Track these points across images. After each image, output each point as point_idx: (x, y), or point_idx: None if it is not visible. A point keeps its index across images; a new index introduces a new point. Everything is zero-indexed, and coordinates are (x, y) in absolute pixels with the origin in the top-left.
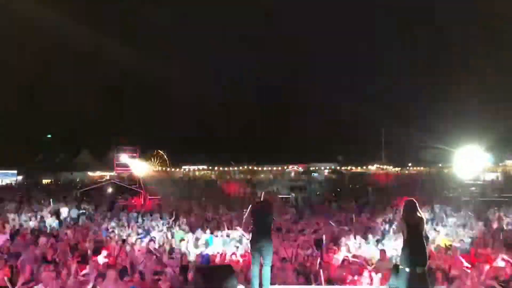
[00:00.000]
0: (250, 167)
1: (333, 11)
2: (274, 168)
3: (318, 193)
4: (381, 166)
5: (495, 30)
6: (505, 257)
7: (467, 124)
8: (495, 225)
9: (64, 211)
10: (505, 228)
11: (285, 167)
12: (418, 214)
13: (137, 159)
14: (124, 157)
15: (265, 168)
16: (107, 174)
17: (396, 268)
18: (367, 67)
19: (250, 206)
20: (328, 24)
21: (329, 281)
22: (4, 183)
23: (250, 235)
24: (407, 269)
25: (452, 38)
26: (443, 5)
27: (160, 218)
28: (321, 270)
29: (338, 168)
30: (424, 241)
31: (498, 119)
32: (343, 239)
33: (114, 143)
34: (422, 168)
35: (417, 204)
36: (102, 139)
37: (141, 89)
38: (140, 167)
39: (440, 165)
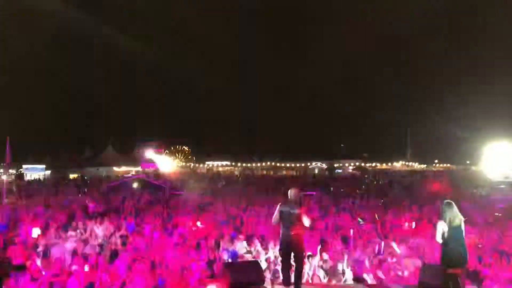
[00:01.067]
0: (273, 163)
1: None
2: (298, 165)
3: (342, 189)
4: (407, 163)
5: None
6: None
7: (496, 121)
8: None
9: (91, 206)
10: None
11: (309, 164)
12: (458, 215)
13: (162, 154)
14: (149, 153)
15: (288, 165)
16: (132, 170)
17: (429, 267)
18: (393, 63)
19: (279, 204)
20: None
21: (357, 279)
22: (32, 178)
23: (280, 233)
24: (446, 269)
25: (481, 31)
26: None
27: (186, 213)
28: (347, 268)
29: (362, 164)
30: (463, 242)
31: None
32: (369, 237)
33: (139, 139)
34: (449, 165)
35: (455, 205)
36: (127, 135)
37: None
38: (165, 163)
39: (468, 162)
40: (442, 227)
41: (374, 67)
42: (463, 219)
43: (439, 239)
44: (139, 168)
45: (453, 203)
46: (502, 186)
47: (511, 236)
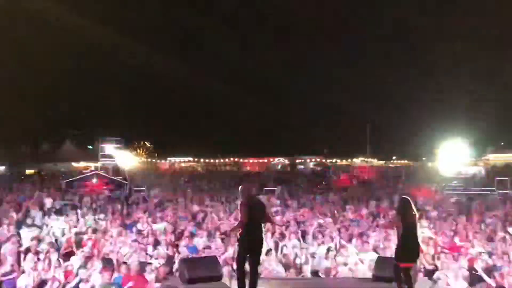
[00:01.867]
0: (236, 160)
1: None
2: (261, 161)
3: (302, 185)
4: (366, 159)
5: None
6: (483, 250)
7: (451, 120)
8: (476, 219)
9: (48, 202)
10: (486, 221)
11: (271, 160)
12: (413, 211)
13: (122, 150)
14: (108, 148)
15: (251, 161)
16: (91, 165)
17: (383, 260)
18: (353, 62)
19: (242, 200)
20: (313, 18)
21: (314, 273)
22: None
23: (242, 229)
24: (398, 263)
25: (440, 32)
26: None
27: (145, 210)
28: (306, 262)
29: (323, 160)
30: (417, 237)
31: (480, 115)
32: (327, 231)
33: (99, 134)
34: (406, 161)
35: (411, 201)
36: (86, 129)
37: (126, 80)
38: (125, 158)
39: (424, 158)
40: (395, 222)
41: (335, 65)
42: (417, 214)
43: (394, 234)
44: (98, 164)
45: (409, 198)
46: (455, 182)
47: (463, 231)
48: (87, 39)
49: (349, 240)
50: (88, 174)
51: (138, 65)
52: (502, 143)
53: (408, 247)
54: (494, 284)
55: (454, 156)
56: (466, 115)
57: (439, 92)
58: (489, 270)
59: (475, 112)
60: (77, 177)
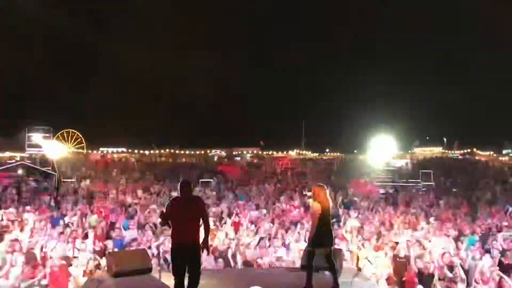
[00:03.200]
0: (172, 151)
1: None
2: (197, 152)
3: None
4: (301, 152)
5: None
6: (407, 238)
7: (380, 115)
8: (401, 209)
9: None
10: (411, 211)
11: (208, 151)
12: (330, 200)
13: (51, 139)
14: (36, 137)
15: (187, 152)
16: (17, 155)
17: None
18: (291, 55)
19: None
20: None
21: (246, 263)
22: None
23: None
24: (317, 250)
25: (371, 30)
26: None
27: (75, 202)
28: (237, 253)
29: (260, 153)
30: (331, 224)
31: (408, 110)
32: (260, 222)
33: (26, 122)
34: (338, 154)
35: (327, 190)
36: (12, 117)
37: (56, 66)
38: (54, 148)
39: (355, 151)
40: (315, 210)
41: (273, 59)
42: (331, 203)
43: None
44: (24, 154)
45: (324, 187)
46: (384, 174)
47: (390, 220)
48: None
49: (283, 231)
50: (13, 164)
51: (66, 49)
52: (428, 137)
53: (323, 233)
54: (416, 270)
55: (383, 149)
56: (394, 110)
57: (371, 89)
58: (412, 257)
59: (402, 107)
60: (1, 168)
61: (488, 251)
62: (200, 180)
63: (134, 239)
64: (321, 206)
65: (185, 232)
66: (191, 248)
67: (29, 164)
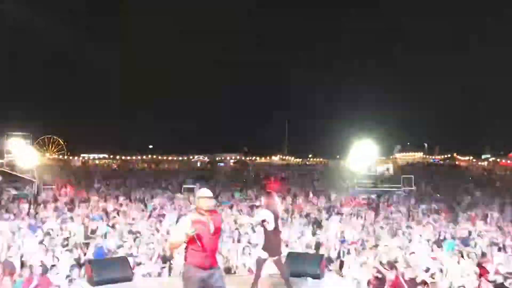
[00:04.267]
0: (154, 157)
1: None
2: (180, 158)
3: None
4: (284, 157)
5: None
6: (387, 243)
7: (363, 121)
8: (382, 214)
9: None
10: (391, 216)
11: (191, 157)
12: (279, 205)
13: (30, 146)
14: (15, 144)
15: (170, 158)
16: None
17: (293, 256)
18: (275, 58)
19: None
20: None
21: (228, 270)
22: None
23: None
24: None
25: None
26: None
27: (55, 209)
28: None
29: (243, 158)
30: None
31: (389, 117)
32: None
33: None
34: (321, 159)
35: (275, 195)
36: None
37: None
38: (33, 155)
39: (338, 157)
40: (267, 216)
41: (257, 65)
42: (282, 208)
43: (270, 227)
44: (3, 160)
45: (274, 193)
46: (365, 180)
47: (371, 226)
48: None
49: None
50: None
51: (50, 56)
52: (408, 143)
53: (276, 240)
54: (398, 274)
55: (365, 155)
56: (377, 117)
57: (354, 95)
58: (392, 263)
59: (384, 115)
60: None
61: (467, 255)
62: (183, 186)
63: (120, 246)
64: (273, 211)
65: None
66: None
67: (7, 170)
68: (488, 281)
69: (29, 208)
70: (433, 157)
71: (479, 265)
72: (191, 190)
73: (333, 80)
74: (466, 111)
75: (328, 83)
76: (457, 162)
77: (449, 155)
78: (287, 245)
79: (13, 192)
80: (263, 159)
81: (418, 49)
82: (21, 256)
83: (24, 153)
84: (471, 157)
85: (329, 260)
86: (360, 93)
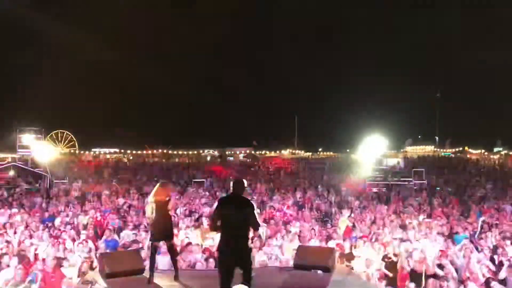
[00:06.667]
0: (165, 151)
1: None
2: (190, 152)
3: (230, 177)
4: (294, 151)
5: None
6: (398, 236)
7: (374, 114)
8: (392, 208)
9: None
10: (402, 209)
11: (201, 151)
12: (161, 194)
13: (42, 140)
14: (27, 138)
15: (180, 152)
16: (8, 156)
17: (303, 249)
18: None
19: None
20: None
21: None
22: None
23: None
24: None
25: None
26: None
27: (67, 203)
28: None
29: (253, 152)
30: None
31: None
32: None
33: (17, 123)
34: (331, 153)
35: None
36: (2, 118)
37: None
38: (45, 149)
39: (348, 150)
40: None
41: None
42: (168, 197)
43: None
44: (16, 155)
45: (162, 183)
46: (376, 173)
47: (382, 219)
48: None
49: (276, 231)
50: (5, 165)
51: (57, 50)
52: (419, 136)
53: (159, 226)
54: (408, 268)
55: (375, 148)
56: (387, 110)
57: (364, 88)
58: (402, 256)
59: (395, 107)
60: None
61: (479, 248)
62: (193, 180)
63: (131, 239)
64: (155, 200)
65: (234, 231)
66: (240, 248)
67: (21, 165)
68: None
69: (41, 202)
70: (445, 150)
71: (491, 258)
72: (201, 184)
73: (343, 74)
74: (478, 104)
75: (338, 77)
76: (468, 155)
77: (460, 148)
78: (298, 238)
79: (26, 186)
80: (272, 153)
81: (423, 45)
82: (34, 250)
83: (35, 149)
84: (483, 150)
85: (340, 254)
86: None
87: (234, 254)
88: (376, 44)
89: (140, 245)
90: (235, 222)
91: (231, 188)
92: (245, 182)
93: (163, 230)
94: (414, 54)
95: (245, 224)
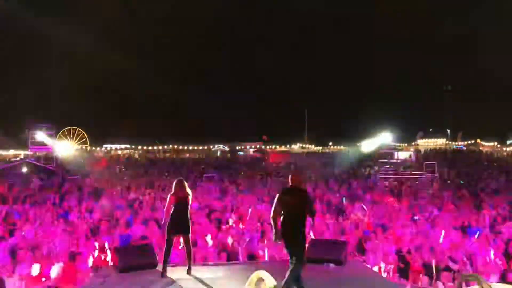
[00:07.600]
0: (175, 147)
1: None
2: (200, 148)
3: (241, 172)
4: (304, 145)
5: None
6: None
7: (385, 108)
8: (405, 201)
9: None
10: (414, 202)
11: (212, 146)
12: (185, 190)
13: (55, 137)
14: (40, 135)
15: (190, 148)
16: (21, 153)
17: (314, 242)
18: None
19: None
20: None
21: (250, 257)
22: None
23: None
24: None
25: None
26: None
27: (79, 198)
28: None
29: (263, 147)
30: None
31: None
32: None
33: (30, 120)
34: (342, 147)
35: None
36: (16, 116)
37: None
38: (59, 146)
39: (358, 144)
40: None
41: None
42: (190, 193)
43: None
44: (28, 152)
45: (182, 179)
46: (387, 166)
47: (393, 213)
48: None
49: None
50: (17, 162)
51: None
52: (431, 129)
53: (178, 221)
54: (420, 261)
55: (386, 142)
56: (399, 103)
57: (374, 82)
58: (415, 249)
59: (406, 100)
60: (6, 165)
61: (492, 240)
62: (204, 175)
63: (144, 234)
64: (176, 195)
65: (293, 217)
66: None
67: (33, 162)
68: None
69: (54, 198)
70: (456, 143)
71: (505, 251)
72: (211, 179)
73: (353, 68)
74: (488, 96)
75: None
76: (480, 148)
77: (472, 141)
78: (310, 232)
79: (39, 182)
80: (282, 148)
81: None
82: (49, 244)
83: (52, 146)
84: (495, 143)
85: (352, 247)
86: (381, 79)
87: (291, 236)
88: (387, 38)
89: (154, 239)
90: (293, 210)
91: (290, 180)
92: (303, 174)
93: (181, 223)
94: (427, 47)
95: (302, 212)
